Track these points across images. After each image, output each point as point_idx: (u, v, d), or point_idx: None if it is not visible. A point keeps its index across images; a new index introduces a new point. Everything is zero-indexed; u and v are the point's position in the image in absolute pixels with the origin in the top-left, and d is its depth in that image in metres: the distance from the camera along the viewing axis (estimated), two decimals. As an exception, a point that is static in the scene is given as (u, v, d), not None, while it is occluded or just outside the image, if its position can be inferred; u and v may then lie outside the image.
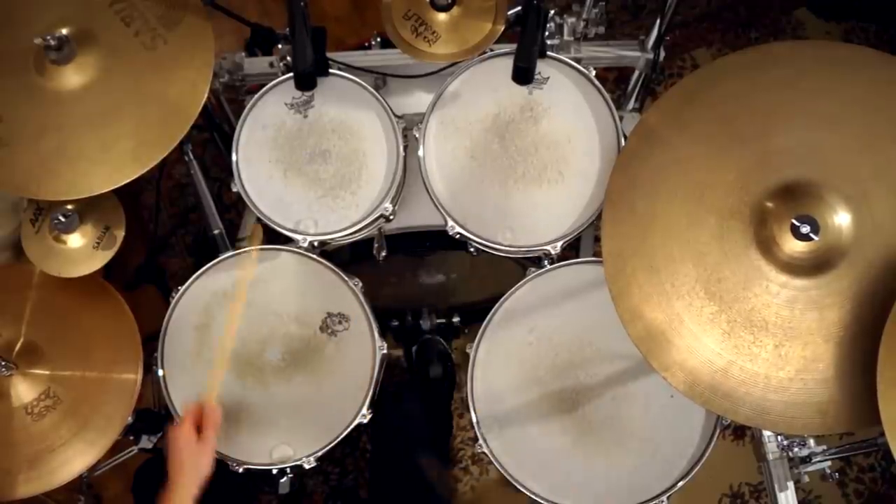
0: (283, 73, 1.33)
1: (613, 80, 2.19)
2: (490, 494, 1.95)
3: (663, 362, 1.05)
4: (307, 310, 1.29)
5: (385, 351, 1.27)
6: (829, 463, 1.25)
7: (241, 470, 1.24)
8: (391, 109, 1.30)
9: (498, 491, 1.94)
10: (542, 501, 1.21)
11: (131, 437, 1.34)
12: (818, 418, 1.01)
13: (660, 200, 1.09)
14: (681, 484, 1.20)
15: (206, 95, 1.20)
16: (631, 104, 1.81)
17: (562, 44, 1.52)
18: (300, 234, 1.28)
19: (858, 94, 1.06)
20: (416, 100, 1.50)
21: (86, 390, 1.24)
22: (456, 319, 1.87)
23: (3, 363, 1.19)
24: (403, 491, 1.45)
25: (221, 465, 1.24)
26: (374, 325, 1.27)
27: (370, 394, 1.24)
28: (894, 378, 0.94)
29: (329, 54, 1.34)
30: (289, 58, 1.33)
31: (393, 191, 1.28)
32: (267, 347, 1.28)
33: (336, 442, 1.24)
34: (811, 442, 1.25)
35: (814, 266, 1.02)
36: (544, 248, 1.26)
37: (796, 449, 1.25)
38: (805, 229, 1.00)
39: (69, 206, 1.23)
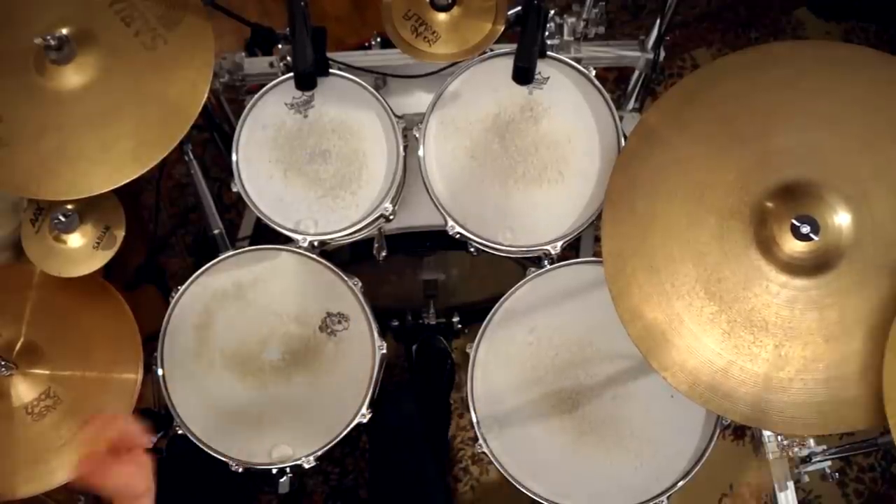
0: (283, 73, 1.33)
1: (613, 80, 2.19)
2: (490, 494, 1.94)
3: (663, 362, 1.05)
4: (307, 309, 1.29)
5: (385, 351, 1.27)
6: (829, 463, 1.25)
7: (240, 470, 1.24)
8: (391, 109, 1.30)
9: (498, 491, 1.94)
10: (542, 501, 1.21)
11: (131, 437, 1.34)
12: (818, 418, 1.01)
13: (660, 200, 1.09)
14: (681, 484, 1.20)
15: (206, 95, 1.20)
16: (631, 104, 1.81)
17: (562, 44, 1.52)
18: (300, 234, 1.28)
19: (858, 94, 1.06)
20: (416, 100, 1.50)
21: (86, 390, 1.24)
22: (456, 319, 1.87)
23: (3, 363, 1.19)
24: (403, 491, 1.45)
25: (221, 465, 1.24)
26: (374, 325, 1.27)
27: (370, 393, 1.24)
28: None
29: (329, 54, 1.33)
30: (289, 58, 1.33)
31: (393, 191, 1.28)
32: (266, 347, 1.28)
33: (336, 442, 1.24)
34: (811, 442, 1.25)
35: (814, 266, 1.02)
36: (544, 248, 1.26)
37: (796, 449, 1.25)
38: (805, 229, 1.00)
39: (69, 206, 1.23)
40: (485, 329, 1.28)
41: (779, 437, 1.26)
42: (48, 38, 1.12)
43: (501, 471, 1.23)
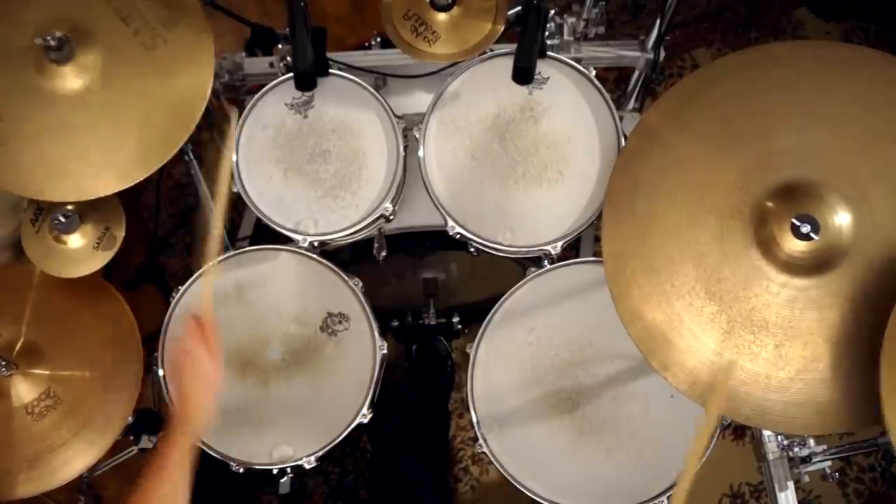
0: (283, 73, 1.33)
1: (613, 80, 2.19)
2: (490, 494, 1.94)
3: (663, 362, 1.05)
4: (307, 310, 1.29)
5: (385, 351, 1.27)
6: (829, 463, 1.25)
7: (241, 470, 1.24)
8: (391, 109, 1.30)
9: (498, 491, 1.94)
10: (542, 501, 1.21)
11: (131, 437, 1.34)
12: (818, 418, 1.01)
13: (660, 201, 1.09)
14: (681, 484, 1.20)
15: (208, 95, 1.20)
16: (631, 104, 1.81)
17: (562, 44, 1.52)
18: (300, 234, 1.28)
19: (858, 94, 1.05)
20: (416, 100, 1.50)
21: (86, 390, 1.24)
22: (456, 319, 1.87)
23: (3, 363, 1.19)
24: (403, 491, 1.45)
25: (222, 465, 1.24)
26: (375, 325, 1.27)
27: (370, 394, 1.24)
28: None
29: (329, 54, 1.34)
30: (289, 58, 1.33)
31: (393, 191, 1.28)
32: (267, 347, 1.28)
33: (336, 442, 1.24)
34: (811, 442, 1.25)
35: (814, 266, 1.02)
36: (544, 248, 1.26)
37: (796, 449, 1.25)
38: (805, 229, 1.00)
39: (69, 207, 1.23)
40: (485, 329, 1.28)
41: (779, 437, 1.26)
42: (48, 37, 1.12)
43: (501, 471, 1.23)
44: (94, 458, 1.23)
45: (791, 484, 1.26)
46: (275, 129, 1.31)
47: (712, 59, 2.10)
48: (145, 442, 1.35)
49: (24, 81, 1.17)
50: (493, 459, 1.24)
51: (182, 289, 1.28)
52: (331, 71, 1.32)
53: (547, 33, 1.40)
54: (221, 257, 1.29)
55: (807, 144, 1.05)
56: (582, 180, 1.27)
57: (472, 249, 1.32)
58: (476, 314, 1.46)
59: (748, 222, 1.04)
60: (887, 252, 1.00)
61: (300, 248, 1.29)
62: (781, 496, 1.26)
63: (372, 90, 1.32)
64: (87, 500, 1.35)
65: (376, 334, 1.27)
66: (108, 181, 1.17)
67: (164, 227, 2.12)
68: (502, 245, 1.26)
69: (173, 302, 1.28)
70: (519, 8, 1.21)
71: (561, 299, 1.28)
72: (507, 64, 1.24)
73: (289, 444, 1.25)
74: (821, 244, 1.00)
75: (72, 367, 1.25)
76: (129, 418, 1.25)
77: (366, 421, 1.24)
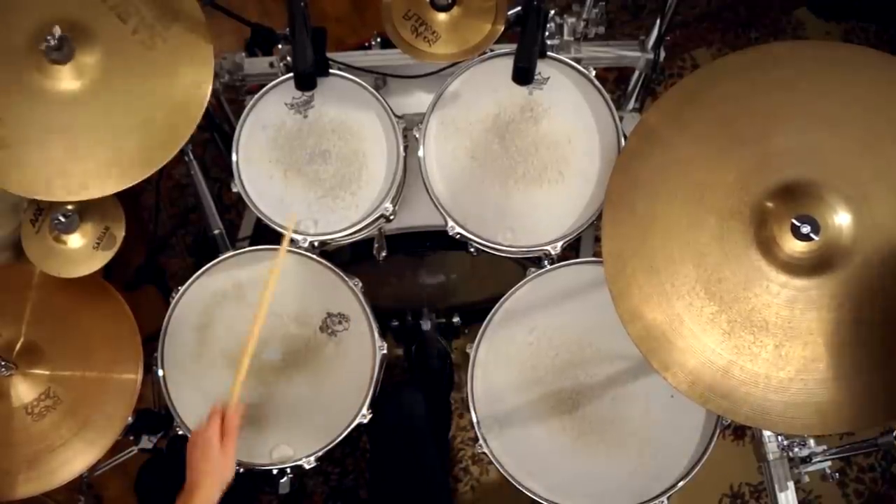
0: (283, 73, 1.33)
1: (613, 80, 2.19)
2: (490, 494, 1.94)
3: (663, 362, 1.05)
4: (307, 310, 1.29)
5: (385, 351, 1.27)
6: (829, 463, 1.25)
7: (241, 470, 1.24)
8: (391, 109, 1.30)
9: (498, 491, 1.94)
10: (542, 501, 1.21)
11: (131, 437, 1.34)
12: (818, 418, 1.01)
13: (660, 201, 1.09)
14: (681, 484, 1.20)
15: (209, 93, 1.19)
16: (631, 104, 1.81)
17: (562, 44, 1.52)
18: (300, 234, 1.28)
19: (859, 94, 1.05)
20: (416, 100, 1.50)
21: (86, 390, 1.24)
22: (456, 319, 1.87)
23: (3, 363, 1.19)
24: (403, 491, 1.44)
25: (221, 465, 1.24)
26: (374, 325, 1.27)
27: (370, 394, 1.24)
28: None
29: (329, 54, 1.34)
30: (289, 58, 1.33)
31: (393, 191, 1.28)
32: (267, 347, 1.28)
33: (336, 442, 1.24)
34: (811, 442, 1.25)
35: (814, 266, 1.02)
36: (544, 248, 1.26)
37: (796, 449, 1.25)
38: (805, 229, 1.00)
39: (69, 207, 1.23)
40: (485, 329, 1.28)
41: (779, 437, 1.26)
42: (48, 37, 1.12)
43: (501, 471, 1.23)
44: (94, 458, 1.23)
45: (791, 484, 1.26)
46: (275, 129, 1.31)
47: (712, 59, 2.10)
48: (145, 442, 1.35)
49: (25, 83, 1.17)
50: (493, 459, 1.24)
51: (182, 289, 1.29)
52: (331, 71, 1.32)
53: (547, 33, 1.40)
54: (221, 257, 1.29)
55: (807, 145, 1.05)
56: (582, 180, 1.27)
57: (472, 249, 1.32)
58: (476, 314, 1.47)
59: (748, 223, 1.04)
60: (887, 252, 1.00)
61: (300, 248, 1.29)
62: (781, 496, 1.26)
63: (372, 90, 1.32)
64: (87, 500, 1.35)
65: (376, 334, 1.27)
66: (109, 181, 1.17)
67: (164, 228, 2.12)
68: (502, 245, 1.26)
69: (173, 302, 1.28)
70: (519, 8, 1.21)
71: (561, 299, 1.28)
72: (507, 64, 1.24)
73: (289, 445, 1.25)
74: (821, 244, 1.00)
75: (72, 367, 1.25)
76: (129, 418, 1.25)
77: (365, 421, 1.24)
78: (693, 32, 2.33)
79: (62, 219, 1.22)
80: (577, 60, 1.34)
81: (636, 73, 1.70)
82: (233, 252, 1.30)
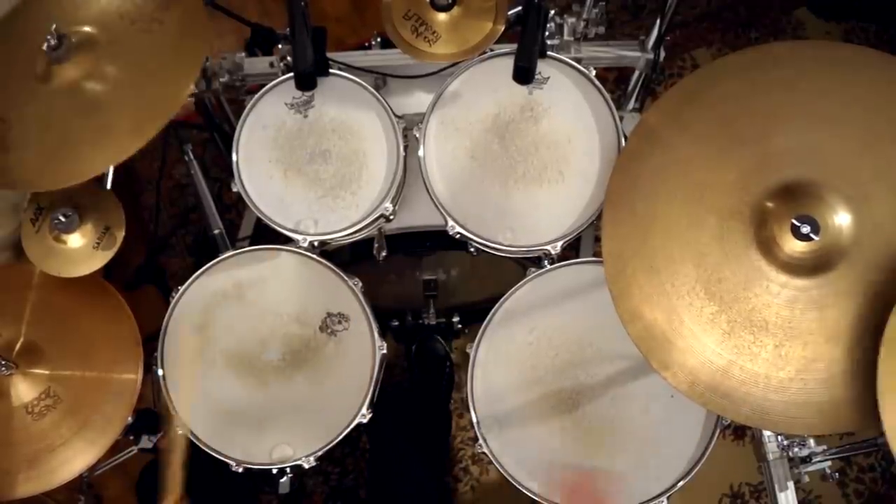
0: (284, 73, 1.33)
1: (613, 80, 2.19)
2: (490, 494, 1.95)
3: (663, 362, 1.05)
4: (307, 310, 1.29)
5: (385, 351, 1.27)
6: (829, 463, 1.25)
7: (240, 470, 1.24)
8: (391, 109, 1.30)
9: (498, 491, 1.94)
10: (542, 502, 1.21)
11: (131, 437, 1.34)
12: (818, 418, 1.01)
13: (660, 201, 1.09)
14: (681, 484, 1.20)
15: (201, 62, 1.17)
16: (631, 104, 1.81)
17: (562, 44, 1.52)
18: (300, 234, 1.28)
19: (859, 94, 1.05)
20: (416, 100, 1.50)
21: (86, 390, 1.24)
22: (456, 319, 1.87)
23: (3, 363, 1.19)
24: (402, 491, 1.45)
25: (222, 465, 1.24)
26: (374, 325, 1.27)
27: (370, 394, 1.24)
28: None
29: (329, 54, 1.33)
30: (289, 58, 1.33)
31: (393, 191, 1.28)
32: (267, 347, 1.28)
33: (336, 442, 1.24)
34: (811, 442, 1.25)
35: (814, 266, 1.02)
36: (544, 248, 1.26)
37: (796, 449, 1.24)
38: (805, 229, 1.00)
39: (69, 207, 1.23)
40: (485, 329, 1.28)
41: (779, 437, 1.26)
42: (48, 38, 1.12)
43: (501, 471, 1.23)
44: (94, 457, 1.23)
45: (791, 484, 1.26)
46: (275, 129, 1.31)
47: (712, 59, 2.10)
48: (145, 442, 1.35)
49: (27, 84, 1.17)
50: (493, 459, 1.24)
51: (182, 289, 1.28)
52: (331, 71, 1.32)
53: (547, 33, 1.40)
54: (221, 257, 1.30)
55: (807, 145, 1.05)
56: (582, 180, 1.27)
57: (472, 249, 1.32)
58: (476, 314, 1.46)
59: (748, 222, 1.04)
60: (887, 252, 1.00)
61: (300, 248, 1.29)
62: (781, 496, 1.26)
63: (372, 90, 1.32)
64: (87, 500, 1.35)
65: (376, 334, 1.27)
66: (105, 158, 1.15)
67: (164, 228, 2.12)
68: (502, 245, 1.26)
69: (173, 302, 1.28)
70: (519, 8, 1.21)
71: (561, 299, 1.28)
72: (508, 64, 1.24)
73: (288, 444, 1.25)
74: (821, 245, 1.00)
75: (72, 367, 1.25)
76: (129, 418, 1.25)
77: (365, 421, 1.24)
78: (693, 32, 2.33)
79: (62, 218, 1.22)
80: (578, 60, 1.34)
81: (636, 73, 1.70)
82: (233, 252, 1.30)
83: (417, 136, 1.28)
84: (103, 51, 1.18)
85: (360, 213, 1.29)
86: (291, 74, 1.29)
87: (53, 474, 1.22)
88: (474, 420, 1.25)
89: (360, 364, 1.26)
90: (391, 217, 1.30)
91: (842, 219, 1.01)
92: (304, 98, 1.32)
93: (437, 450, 1.89)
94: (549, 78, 1.30)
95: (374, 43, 1.57)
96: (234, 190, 1.29)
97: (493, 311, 1.28)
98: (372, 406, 1.25)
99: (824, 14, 2.33)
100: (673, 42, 1.98)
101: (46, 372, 1.24)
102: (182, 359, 1.25)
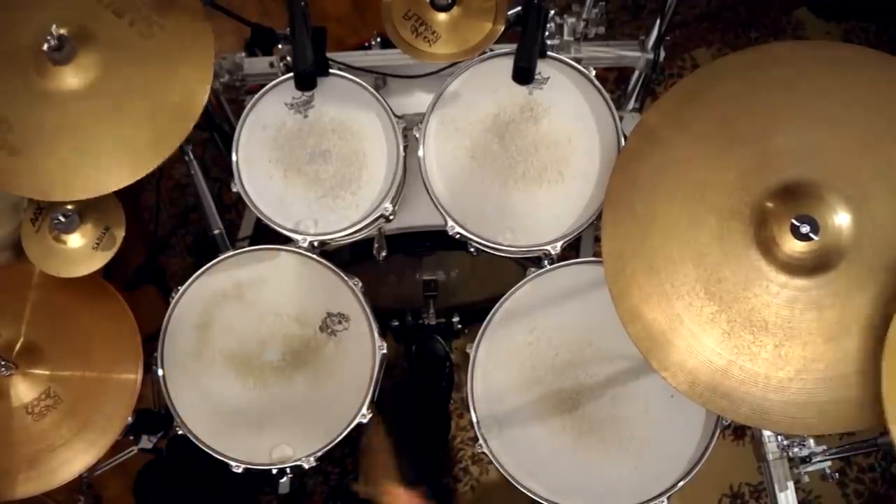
0: (283, 73, 1.33)
1: (613, 80, 2.19)
2: (490, 494, 1.94)
3: (663, 362, 1.05)
4: (307, 310, 1.29)
5: (385, 351, 1.27)
6: (829, 463, 1.25)
7: (241, 470, 1.24)
8: (391, 109, 1.30)
9: (498, 491, 1.94)
10: (542, 501, 1.21)
11: (131, 437, 1.34)
12: (818, 418, 1.01)
13: (660, 201, 1.09)
14: (681, 484, 1.20)
15: (211, 78, 1.19)
16: (631, 104, 1.81)
17: (562, 44, 1.52)
18: (300, 234, 1.28)
19: (859, 94, 1.06)
20: (416, 100, 1.50)
21: (86, 390, 1.24)
22: (456, 319, 1.87)
23: (3, 363, 1.19)
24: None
25: (222, 465, 1.24)
26: (374, 325, 1.27)
27: (370, 394, 1.24)
28: None
29: (329, 54, 1.34)
30: (289, 58, 1.33)
31: (393, 191, 1.28)
32: (267, 347, 1.28)
33: (336, 442, 1.24)
34: (811, 442, 1.25)
35: (814, 266, 1.02)
36: (544, 248, 1.26)
37: (796, 449, 1.25)
38: (805, 229, 1.00)
39: (69, 206, 1.23)
40: (485, 329, 1.28)
41: (779, 437, 1.26)
42: (49, 38, 1.12)
43: (501, 471, 1.23)
44: (94, 458, 1.23)
45: (791, 484, 1.26)
46: (275, 129, 1.31)
47: (712, 59, 2.10)
48: (145, 442, 1.35)
49: (30, 87, 1.17)
50: (493, 459, 1.24)
51: (182, 289, 1.28)
52: (331, 71, 1.32)
53: (547, 33, 1.40)
54: (221, 257, 1.30)
55: (807, 145, 1.05)
56: (582, 180, 1.27)
57: (472, 249, 1.32)
58: (476, 314, 1.46)
59: (748, 222, 1.04)
60: (887, 252, 1.00)
61: (300, 248, 1.29)
62: (781, 496, 1.26)
63: (372, 90, 1.32)
64: (87, 500, 1.35)
65: (376, 334, 1.27)
66: (126, 171, 1.17)
67: (164, 228, 2.12)
68: (502, 245, 1.26)
69: (173, 302, 1.28)
70: (519, 8, 1.21)
71: (561, 299, 1.28)
72: (507, 64, 1.24)
73: (288, 444, 1.25)
74: (821, 244, 1.00)
75: (72, 367, 1.25)
76: (129, 418, 1.25)
77: (365, 421, 1.24)
78: (693, 32, 2.33)
79: (62, 218, 1.22)
80: (577, 60, 1.34)
81: (636, 73, 1.70)
82: (233, 252, 1.30)
83: (417, 136, 1.28)
84: (106, 54, 1.18)
85: (360, 213, 1.29)
86: (291, 74, 1.28)
87: (53, 474, 1.22)
88: (474, 420, 1.25)
89: (360, 364, 1.26)
90: (391, 217, 1.30)
91: (841, 219, 1.01)
92: (304, 98, 1.32)
93: (437, 450, 1.89)
94: (549, 78, 1.31)
95: (374, 43, 1.57)
96: (234, 190, 1.29)
97: (493, 311, 1.28)
98: (372, 406, 1.25)
99: (824, 14, 2.33)
100: (673, 42, 1.98)
101: (46, 372, 1.24)
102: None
